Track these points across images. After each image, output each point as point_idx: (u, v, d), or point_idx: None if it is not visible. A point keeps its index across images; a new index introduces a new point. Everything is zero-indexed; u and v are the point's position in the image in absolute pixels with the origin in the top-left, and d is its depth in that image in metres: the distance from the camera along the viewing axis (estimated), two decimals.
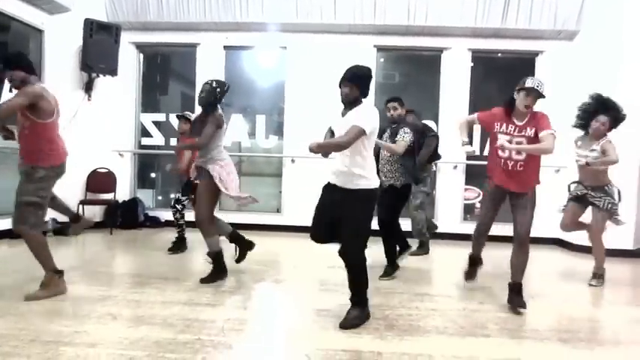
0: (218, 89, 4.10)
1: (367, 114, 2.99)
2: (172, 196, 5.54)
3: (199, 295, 3.75)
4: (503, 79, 7.44)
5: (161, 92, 7.98)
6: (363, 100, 3.10)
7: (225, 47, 7.21)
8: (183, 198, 5.27)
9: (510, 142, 3.40)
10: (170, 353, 2.59)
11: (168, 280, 4.19)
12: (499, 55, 7.11)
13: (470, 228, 6.68)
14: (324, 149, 3.05)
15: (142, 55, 7.51)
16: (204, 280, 4.06)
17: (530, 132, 3.38)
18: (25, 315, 3.13)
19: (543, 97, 3.38)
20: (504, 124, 3.47)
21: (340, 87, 3.08)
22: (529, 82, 3.37)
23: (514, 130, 3.43)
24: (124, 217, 7.04)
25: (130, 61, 7.23)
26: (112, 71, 6.60)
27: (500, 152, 3.50)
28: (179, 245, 5.37)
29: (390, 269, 4.45)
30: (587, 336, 3.10)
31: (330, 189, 3.16)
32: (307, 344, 2.77)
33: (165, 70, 8.12)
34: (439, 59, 7.02)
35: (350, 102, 3.05)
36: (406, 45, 6.99)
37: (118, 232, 6.74)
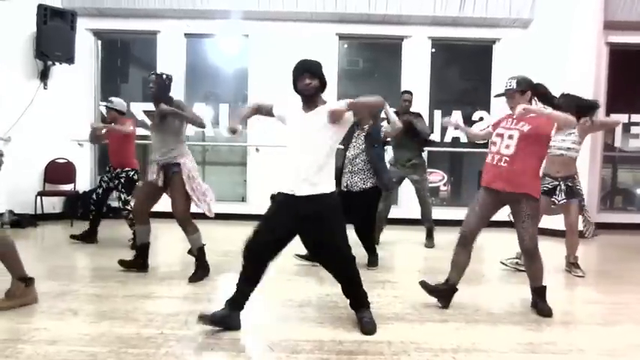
0: (167, 80, 4.04)
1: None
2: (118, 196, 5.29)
3: (161, 288, 3.75)
4: (463, 66, 7.64)
5: (121, 80, 7.77)
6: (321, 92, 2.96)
7: (186, 35, 7.10)
8: (130, 198, 5.13)
9: (503, 135, 3.25)
10: (132, 348, 2.59)
11: (129, 273, 4.16)
12: (458, 42, 7.27)
13: (439, 213, 6.96)
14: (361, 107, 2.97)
15: (99, 42, 7.28)
16: (192, 279, 3.94)
17: (525, 127, 3.17)
18: None
19: (520, 91, 3.27)
20: (505, 122, 3.36)
21: (297, 79, 2.90)
22: (504, 86, 3.35)
23: (511, 124, 3.27)
24: (85, 208, 6.86)
25: (87, 48, 7.02)
26: (69, 59, 6.39)
27: (491, 147, 3.34)
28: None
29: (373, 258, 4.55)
30: (538, 318, 3.26)
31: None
32: (270, 335, 2.83)
33: (124, 57, 7.91)
34: (400, 47, 7.11)
35: (312, 94, 2.90)
36: (368, 33, 7.07)
37: (79, 223, 6.58)
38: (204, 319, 2.81)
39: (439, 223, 6.62)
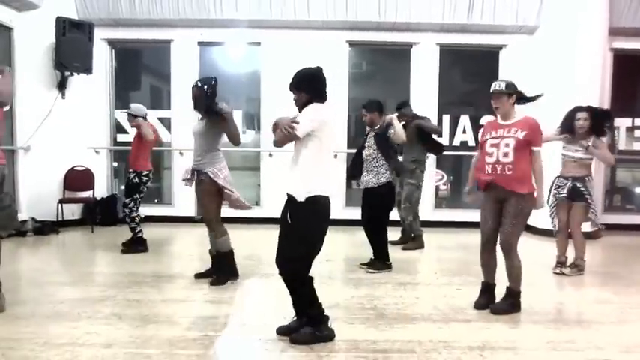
0: (205, 86, 4.05)
1: (305, 112, 2.86)
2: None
3: (195, 292, 3.93)
4: (469, 71, 7.84)
5: (134, 88, 7.93)
6: (316, 102, 2.91)
7: (199, 43, 7.26)
8: (128, 201, 5.28)
9: (498, 145, 3.42)
10: (182, 350, 2.77)
11: (162, 277, 4.36)
12: (466, 49, 7.48)
13: (441, 215, 7.18)
14: None
15: (113, 51, 7.45)
16: (213, 283, 4.10)
17: (519, 134, 3.36)
18: (30, 319, 3.24)
19: (507, 92, 3.43)
20: (493, 132, 3.51)
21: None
22: (491, 87, 3.50)
23: (504, 132, 3.43)
24: (104, 215, 7.06)
25: (102, 57, 7.17)
26: (87, 69, 6.56)
27: (487, 158, 3.48)
28: (134, 246, 5.38)
29: (378, 263, 4.70)
30: (556, 317, 3.48)
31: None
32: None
33: (137, 65, 8.06)
34: (409, 52, 7.32)
35: (300, 107, 2.93)
36: (377, 40, 7.26)
37: (98, 229, 6.77)
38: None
39: (442, 225, 6.87)
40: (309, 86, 2.92)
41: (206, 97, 4.05)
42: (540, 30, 6.96)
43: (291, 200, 2.87)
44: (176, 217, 7.28)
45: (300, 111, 2.92)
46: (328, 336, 2.92)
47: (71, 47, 6.37)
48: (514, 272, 3.49)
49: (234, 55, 7.72)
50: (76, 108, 6.92)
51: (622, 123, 7.48)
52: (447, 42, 7.23)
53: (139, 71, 8.13)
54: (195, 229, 6.90)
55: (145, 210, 6.02)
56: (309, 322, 2.91)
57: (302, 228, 2.80)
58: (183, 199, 7.34)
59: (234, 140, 4.07)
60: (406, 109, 5.79)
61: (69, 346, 2.80)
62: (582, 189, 4.56)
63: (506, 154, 3.38)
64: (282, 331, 2.99)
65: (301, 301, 2.90)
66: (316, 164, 2.84)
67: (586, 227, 4.81)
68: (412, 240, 5.80)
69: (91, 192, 6.89)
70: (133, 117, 5.33)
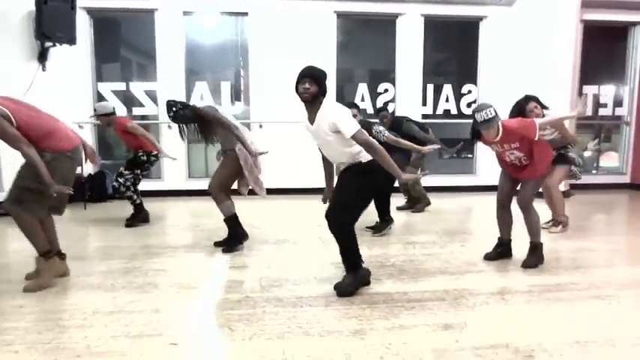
0: (178, 106, 4.16)
1: (343, 114, 3.04)
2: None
3: (217, 259, 4.09)
4: (452, 42, 8.11)
5: (117, 60, 7.71)
6: (323, 98, 3.10)
7: (184, 13, 7.12)
8: (127, 172, 5.30)
9: (504, 153, 3.67)
10: (232, 310, 2.93)
11: (178, 248, 4.45)
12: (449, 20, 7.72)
13: (424, 181, 7.52)
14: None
15: (92, 21, 7.19)
16: (225, 250, 4.25)
17: (515, 144, 3.56)
18: (66, 292, 3.29)
19: (497, 119, 3.49)
20: (491, 145, 3.67)
21: (298, 85, 3.07)
22: (478, 118, 3.46)
23: (498, 148, 3.65)
24: (93, 191, 6.97)
25: (82, 27, 6.90)
26: (71, 40, 6.31)
27: (504, 159, 3.75)
28: (137, 217, 5.44)
29: (381, 225, 4.98)
30: (557, 265, 3.87)
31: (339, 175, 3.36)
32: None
33: (119, 36, 7.81)
34: (394, 24, 7.48)
35: (310, 99, 3.06)
36: (364, 11, 7.37)
37: (90, 205, 6.69)
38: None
39: (438, 190, 7.21)
40: (323, 82, 3.09)
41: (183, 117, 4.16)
42: (519, 1, 7.26)
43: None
44: (166, 191, 7.29)
45: (306, 100, 3.07)
46: (364, 281, 3.26)
47: (53, 16, 6.09)
48: (534, 226, 3.78)
49: (221, 25, 7.61)
50: (58, 81, 6.68)
51: (590, 90, 8.01)
52: (431, 13, 7.43)
53: (122, 43, 7.87)
54: (188, 202, 6.97)
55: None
56: (348, 269, 3.21)
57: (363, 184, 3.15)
58: (173, 173, 7.36)
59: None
60: (385, 113, 6.03)
61: (119, 314, 2.87)
62: (567, 154, 4.92)
63: (517, 157, 3.66)
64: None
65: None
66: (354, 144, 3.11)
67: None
68: (408, 201, 6.13)
69: (79, 168, 6.73)
70: (104, 115, 5.29)
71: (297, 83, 3.08)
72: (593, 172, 8.42)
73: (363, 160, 3.13)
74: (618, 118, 8.28)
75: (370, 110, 7.60)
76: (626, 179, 8.21)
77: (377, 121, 5.47)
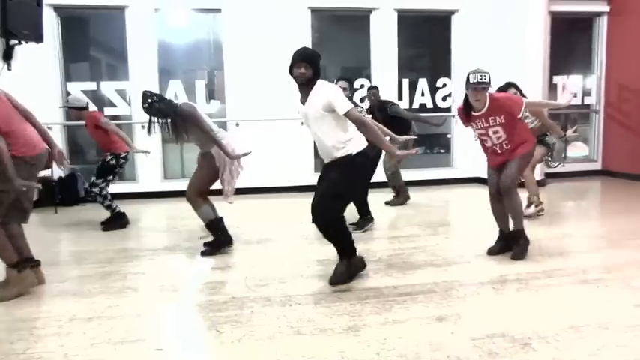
0: (154, 98, 3.93)
1: (337, 93, 3.04)
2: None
3: (200, 261, 3.95)
4: (425, 36, 8.14)
5: (87, 59, 7.42)
6: (317, 79, 3.09)
7: (156, 10, 6.91)
8: (99, 181, 5.10)
9: (487, 133, 3.62)
10: (219, 312, 2.82)
11: (157, 250, 4.30)
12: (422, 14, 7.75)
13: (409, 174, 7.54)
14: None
15: (59, 18, 6.92)
16: (204, 252, 4.07)
17: (500, 119, 3.52)
18: (38, 299, 3.12)
19: (489, 85, 3.50)
20: (472, 124, 3.67)
21: (293, 68, 3.06)
22: (472, 78, 3.47)
23: (483, 123, 3.59)
24: (64, 194, 6.70)
25: (49, 25, 6.62)
26: (38, 37, 6.01)
27: (484, 143, 3.74)
28: (116, 222, 5.23)
29: (363, 222, 4.87)
30: (542, 252, 3.87)
31: (324, 167, 3.34)
32: (331, 288, 3.16)
33: (88, 34, 7.53)
34: (368, 19, 7.45)
35: (306, 82, 3.06)
36: (338, 6, 7.32)
37: (61, 210, 6.43)
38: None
39: (416, 184, 7.21)
40: (317, 64, 3.08)
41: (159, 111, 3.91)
42: None
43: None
44: (141, 194, 7.07)
45: (301, 84, 3.07)
46: (358, 268, 3.33)
47: (19, 13, 5.77)
48: (517, 210, 3.71)
49: (194, 22, 7.42)
50: (25, 80, 6.37)
51: (558, 80, 8.16)
52: (404, 7, 7.42)
53: (91, 41, 7.58)
54: (164, 204, 6.77)
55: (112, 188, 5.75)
56: (341, 256, 3.23)
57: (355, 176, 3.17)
58: (148, 175, 7.15)
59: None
60: (375, 91, 5.99)
61: (98, 320, 2.73)
62: (545, 141, 5.01)
63: (499, 138, 3.61)
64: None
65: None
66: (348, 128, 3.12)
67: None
68: (397, 195, 6.09)
69: (48, 171, 6.47)
70: (76, 109, 5.09)
71: (292, 67, 3.06)
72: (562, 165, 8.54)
73: (353, 152, 3.09)
74: (587, 106, 8.44)
75: None
76: (597, 166, 8.36)
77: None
